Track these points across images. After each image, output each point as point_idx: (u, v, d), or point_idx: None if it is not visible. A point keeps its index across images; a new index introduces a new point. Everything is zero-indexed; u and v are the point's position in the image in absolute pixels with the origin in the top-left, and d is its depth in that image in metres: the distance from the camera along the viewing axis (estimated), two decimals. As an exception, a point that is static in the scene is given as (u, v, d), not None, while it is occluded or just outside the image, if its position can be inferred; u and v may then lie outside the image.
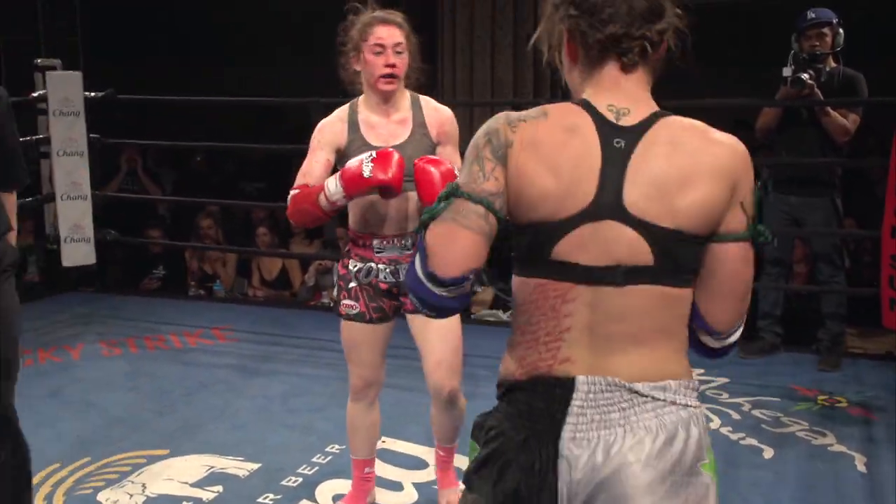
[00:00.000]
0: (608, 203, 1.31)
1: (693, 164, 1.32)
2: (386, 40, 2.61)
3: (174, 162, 8.38)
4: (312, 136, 2.72)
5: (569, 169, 1.31)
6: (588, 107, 1.35)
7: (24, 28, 7.77)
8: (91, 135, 5.49)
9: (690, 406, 1.38)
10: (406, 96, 2.74)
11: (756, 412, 3.91)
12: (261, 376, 4.40)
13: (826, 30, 4.38)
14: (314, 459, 3.42)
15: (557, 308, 1.34)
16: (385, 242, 2.71)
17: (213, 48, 9.14)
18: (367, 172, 2.42)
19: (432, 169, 2.46)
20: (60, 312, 5.58)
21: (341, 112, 2.76)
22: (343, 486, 3.16)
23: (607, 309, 1.33)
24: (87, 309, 5.66)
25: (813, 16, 4.40)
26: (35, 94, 5.46)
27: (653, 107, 1.37)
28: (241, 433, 3.70)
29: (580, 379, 1.33)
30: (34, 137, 5.58)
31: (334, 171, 2.65)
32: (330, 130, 2.71)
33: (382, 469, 3.29)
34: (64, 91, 5.35)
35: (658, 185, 1.31)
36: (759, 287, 4.73)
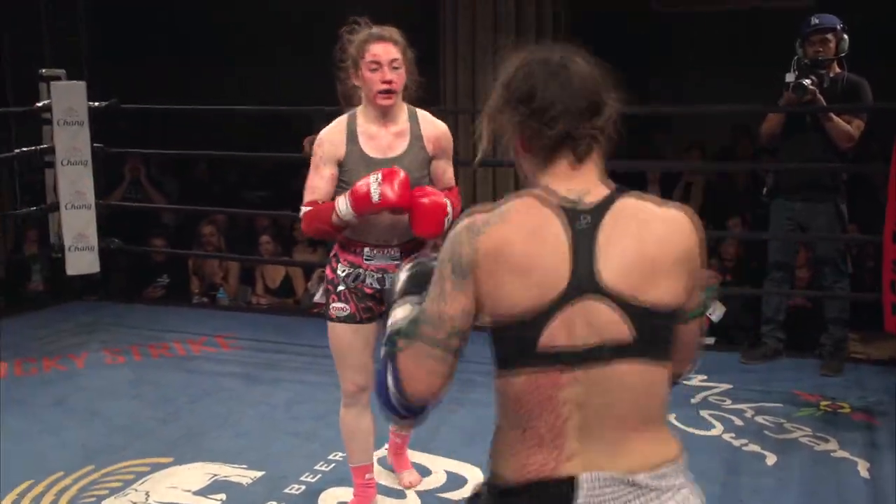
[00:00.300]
0: (584, 281, 1.33)
1: (660, 252, 1.36)
2: (382, 57, 2.67)
3: (177, 170, 8.39)
4: (314, 151, 2.76)
5: (540, 263, 1.34)
6: (550, 193, 1.39)
7: (29, 39, 7.81)
8: (95, 144, 5.50)
9: (683, 483, 1.41)
10: (404, 109, 2.80)
11: (759, 418, 3.89)
12: (264, 384, 4.39)
13: (830, 35, 4.37)
14: (317, 467, 3.40)
15: (554, 398, 1.34)
16: (375, 251, 2.78)
17: (214, 50, 9.16)
18: (375, 197, 2.55)
19: (425, 201, 2.64)
20: (65, 321, 5.57)
21: (340, 124, 2.79)
22: (346, 493, 3.15)
23: (597, 393, 1.34)
24: (92, 317, 5.66)
25: (816, 21, 4.38)
26: (40, 104, 5.49)
27: (610, 186, 1.42)
28: (244, 441, 3.68)
29: (583, 478, 1.33)
30: (39, 147, 5.60)
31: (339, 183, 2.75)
32: (329, 143, 2.75)
33: (386, 478, 3.27)
34: (68, 101, 5.36)
35: (628, 261, 1.35)
36: (761, 292, 4.72)
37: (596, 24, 7.90)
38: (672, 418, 3.87)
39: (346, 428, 2.95)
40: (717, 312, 5.25)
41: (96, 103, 5.51)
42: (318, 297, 2.93)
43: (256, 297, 6.40)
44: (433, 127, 2.83)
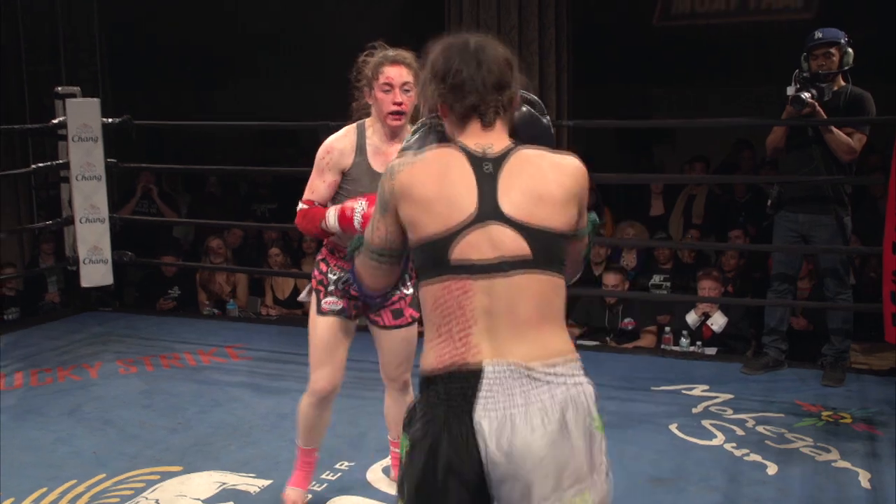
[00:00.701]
0: (489, 210, 1.68)
1: (550, 188, 1.70)
2: (394, 80, 2.75)
3: (189, 185, 8.43)
4: (319, 153, 2.85)
5: (448, 193, 1.68)
6: (461, 146, 1.74)
7: (46, 59, 7.89)
8: (108, 159, 5.54)
9: (577, 379, 1.67)
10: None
11: (760, 428, 3.88)
12: (273, 394, 4.41)
13: (833, 49, 4.36)
14: (324, 476, 3.41)
15: (463, 304, 1.65)
16: None
17: (219, 67, 9.23)
18: (357, 224, 2.66)
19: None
20: (79, 332, 5.61)
21: (350, 134, 2.85)
22: (352, 502, 3.16)
23: (500, 297, 1.65)
24: (105, 328, 5.69)
25: (820, 35, 4.38)
26: (55, 121, 5.53)
27: (510, 144, 1.77)
28: (253, 450, 3.70)
29: (487, 366, 1.63)
30: (55, 162, 5.65)
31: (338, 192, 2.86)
32: (339, 152, 2.83)
33: (388, 486, 3.28)
34: (82, 117, 5.41)
35: (526, 196, 1.69)
36: (764, 303, 4.72)
37: (599, 38, 7.96)
38: (673, 427, 3.88)
39: (307, 420, 3.04)
40: (718, 323, 5.28)
41: (110, 119, 5.56)
42: (303, 296, 2.97)
43: (266, 309, 6.43)
44: None
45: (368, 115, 2.87)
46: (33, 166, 6.06)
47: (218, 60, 9.20)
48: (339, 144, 2.83)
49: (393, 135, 2.83)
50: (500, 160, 1.72)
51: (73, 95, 5.61)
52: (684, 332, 5.29)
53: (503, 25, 6.04)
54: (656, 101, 8.80)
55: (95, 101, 5.59)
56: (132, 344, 5.35)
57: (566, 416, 1.62)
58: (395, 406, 3.07)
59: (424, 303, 1.71)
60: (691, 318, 5.35)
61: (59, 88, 5.75)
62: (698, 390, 4.39)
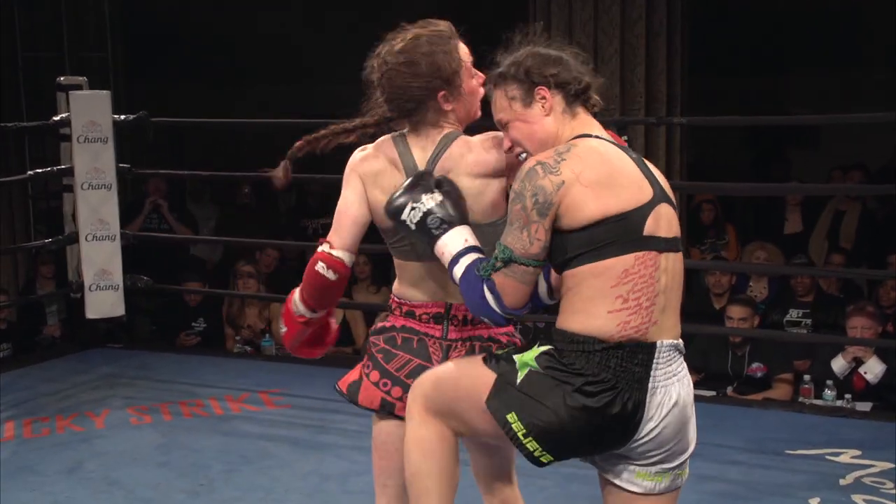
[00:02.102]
0: (658, 191, 2.16)
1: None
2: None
3: (215, 195, 8.52)
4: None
5: (626, 171, 2.14)
6: (592, 134, 2.23)
7: (47, 44, 8.04)
8: (120, 164, 5.65)
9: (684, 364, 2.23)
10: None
11: (928, 504, 3.79)
12: (315, 451, 4.44)
13: None
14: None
15: (654, 277, 2.11)
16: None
17: (258, 62, 9.38)
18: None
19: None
20: (83, 373, 5.72)
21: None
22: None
23: (672, 275, 2.15)
24: (114, 368, 5.80)
25: None
26: (57, 118, 5.63)
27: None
28: (290, 520, 3.73)
29: (659, 344, 2.13)
30: (56, 168, 5.76)
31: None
32: None
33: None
34: (90, 114, 5.52)
35: (664, 182, 2.22)
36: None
37: (720, 14, 7.89)
38: None
39: None
40: (873, 371, 5.17)
41: (122, 116, 5.67)
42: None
43: (308, 347, 6.47)
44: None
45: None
46: (30, 172, 6.14)
47: (255, 46, 9.34)
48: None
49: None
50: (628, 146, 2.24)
51: (78, 87, 5.70)
52: (829, 383, 5.20)
53: (601, 0, 6.05)
54: (794, 91, 8.69)
55: (105, 94, 5.70)
56: (146, 388, 5.44)
57: (690, 396, 2.20)
58: None
59: (601, 275, 2.09)
60: (839, 364, 5.25)
61: (62, 79, 5.85)
62: (847, 456, 4.30)
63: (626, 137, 4.81)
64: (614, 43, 6.07)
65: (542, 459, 2.14)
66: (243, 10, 9.12)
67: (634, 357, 2.10)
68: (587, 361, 2.10)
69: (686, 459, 2.23)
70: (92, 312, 5.63)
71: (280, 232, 7.74)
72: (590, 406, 2.09)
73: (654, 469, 2.19)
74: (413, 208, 2.23)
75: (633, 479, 2.20)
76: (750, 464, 4.20)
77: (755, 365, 5.46)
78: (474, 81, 2.41)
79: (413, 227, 2.24)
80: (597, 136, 2.19)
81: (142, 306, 6.99)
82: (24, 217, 8.12)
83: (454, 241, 2.21)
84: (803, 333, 5.78)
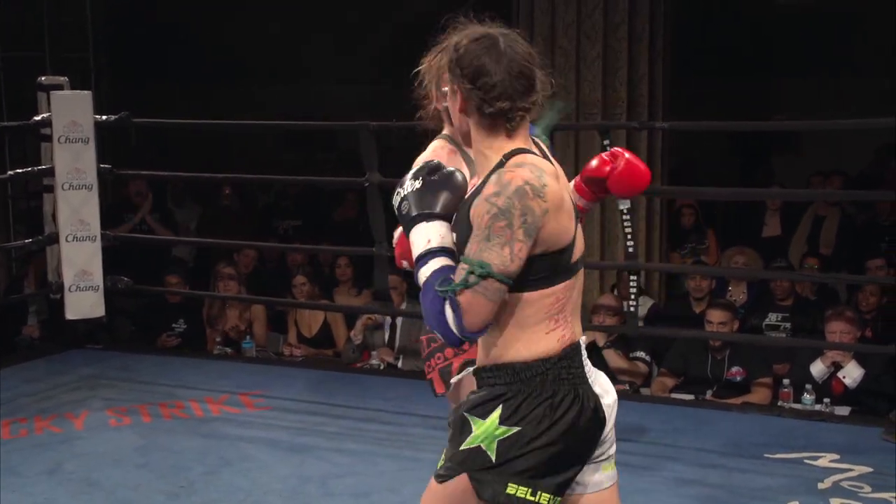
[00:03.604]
0: (575, 211, 2.19)
1: None
2: None
3: (198, 196, 8.51)
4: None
5: (566, 200, 2.15)
6: (544, 155, 2.23)
7: (28, 44, 8.02)
8: (102, 165, 5.64)
9: None
10: None
11: (905, 508, 3.82)
12: (295, 453, 4.44)
13: None
14: (357, 555, 3.43)
15: (571, 294, 2.20)
16: None
17: (239, 62, 9.38)
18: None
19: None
20: (62, 374, 5.71)
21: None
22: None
23: (579, 286, 2.24)
24: (94, 370, 5.79)
25: None
26: (38, 118, 5.62)
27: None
28: (270, 522, 3.73)
29: (580, 343, 2.23)
30: (36, 168, 5.75)
31: None
32: None
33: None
34: (71, 114, 5.51)
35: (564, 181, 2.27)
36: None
37: (703, 18, 7.93)
38: (794, 506, 3.83)
39: None
40: (852, 375, 5.20)
41: (104, 117, 5.66)
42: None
43: (289, 348, 6.47)
44: None
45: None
46: (10, 172, 6.12)
47: (238, 48, 9.34)
48: None
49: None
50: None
51: (59, 87, 5.69)
52: (808, 387, 5.22)
53: (584, 4, 6.07)
54: (777, 97, 8.74)
55: (87, 94, 5.70)
56: (126, 389, 5.43)
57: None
58: None
59: (531, 304, 2.15)
60: (817, 368, 5.27)
61: (43, 78, 5.82)
62: (826, 460, 4.33)
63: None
64: (597, 47, 6.10)
65: None
66: (224, 10, 9.11)
67: (573, 360, 2.20)
68: (541, 384, 2.17)
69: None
70: (72, 313, 5.63)
71: (256, 233, 7.73)
72: (568, 419, 2.16)
73: (612, 458, 2.29)
74: (397, 193, 2.19)
75: (604, 474, 2.28)
76: (729, 467, 4.22)
77: (734, 369, 5.48)
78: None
79: (396, 212, 2.20)
80: (531, 152, 2.16)
81: (122, 307, 6.97)
82: (3, 217, 8.11)
83: (418, 238, 2.14)
84: (782, 337, 5.81)
